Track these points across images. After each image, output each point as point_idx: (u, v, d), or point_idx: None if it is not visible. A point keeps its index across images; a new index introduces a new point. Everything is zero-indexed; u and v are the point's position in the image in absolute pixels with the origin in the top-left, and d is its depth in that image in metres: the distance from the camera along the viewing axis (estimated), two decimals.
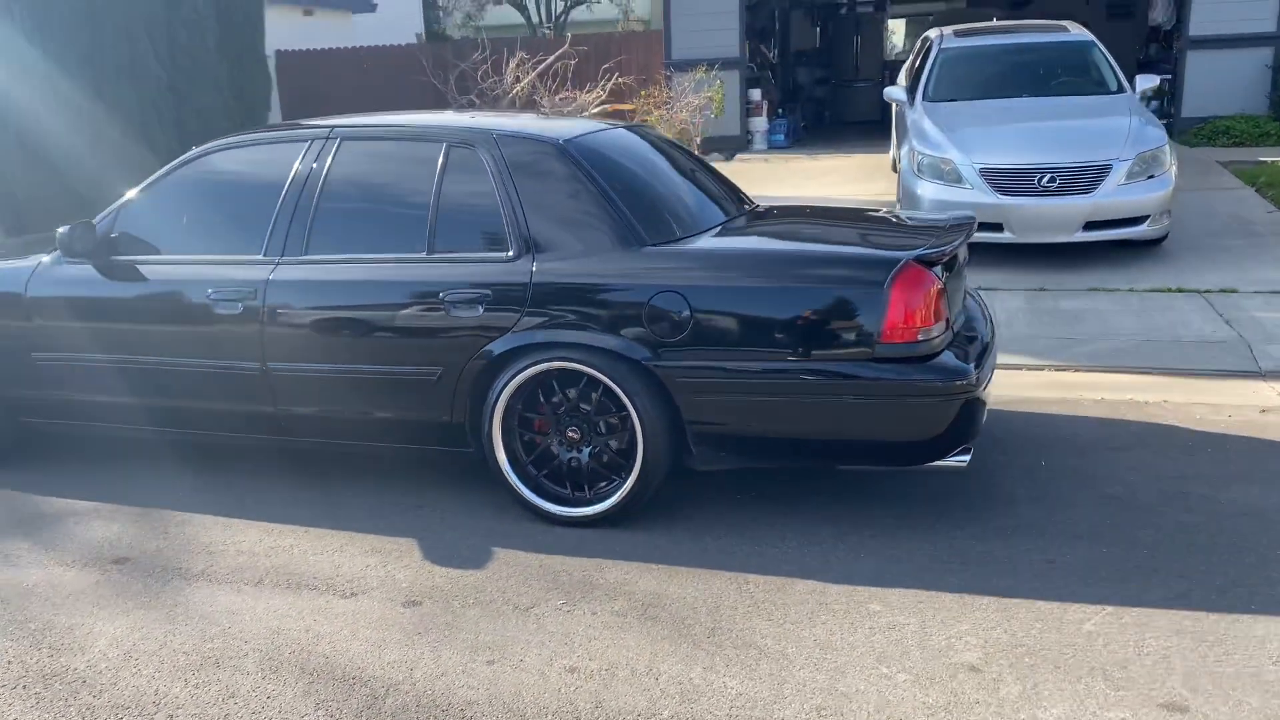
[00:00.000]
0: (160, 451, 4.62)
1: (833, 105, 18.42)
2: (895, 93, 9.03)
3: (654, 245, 3.74)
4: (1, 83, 8.96)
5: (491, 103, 14.73)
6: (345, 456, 4.37)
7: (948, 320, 3.66)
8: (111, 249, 4.28)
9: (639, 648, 3.04)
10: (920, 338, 3.51)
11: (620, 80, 13.73)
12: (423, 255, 3.88)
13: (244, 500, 4.17)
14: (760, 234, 4.18)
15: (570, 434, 3.80)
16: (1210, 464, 4.20)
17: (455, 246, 3.87)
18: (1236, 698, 2.68)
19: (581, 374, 3.69)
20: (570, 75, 14.70)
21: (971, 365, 3.60)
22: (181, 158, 4.37)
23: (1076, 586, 3.27)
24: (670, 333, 3.60)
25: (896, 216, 4.68)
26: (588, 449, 3.79)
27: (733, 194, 4.73)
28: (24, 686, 2.95)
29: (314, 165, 4.10)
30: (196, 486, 4.33)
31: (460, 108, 14.93)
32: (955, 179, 7.43)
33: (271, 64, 17.72)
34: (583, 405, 3.76)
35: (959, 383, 3.51)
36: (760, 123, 13.36)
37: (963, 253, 4.12)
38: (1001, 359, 5.67)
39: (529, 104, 14.48)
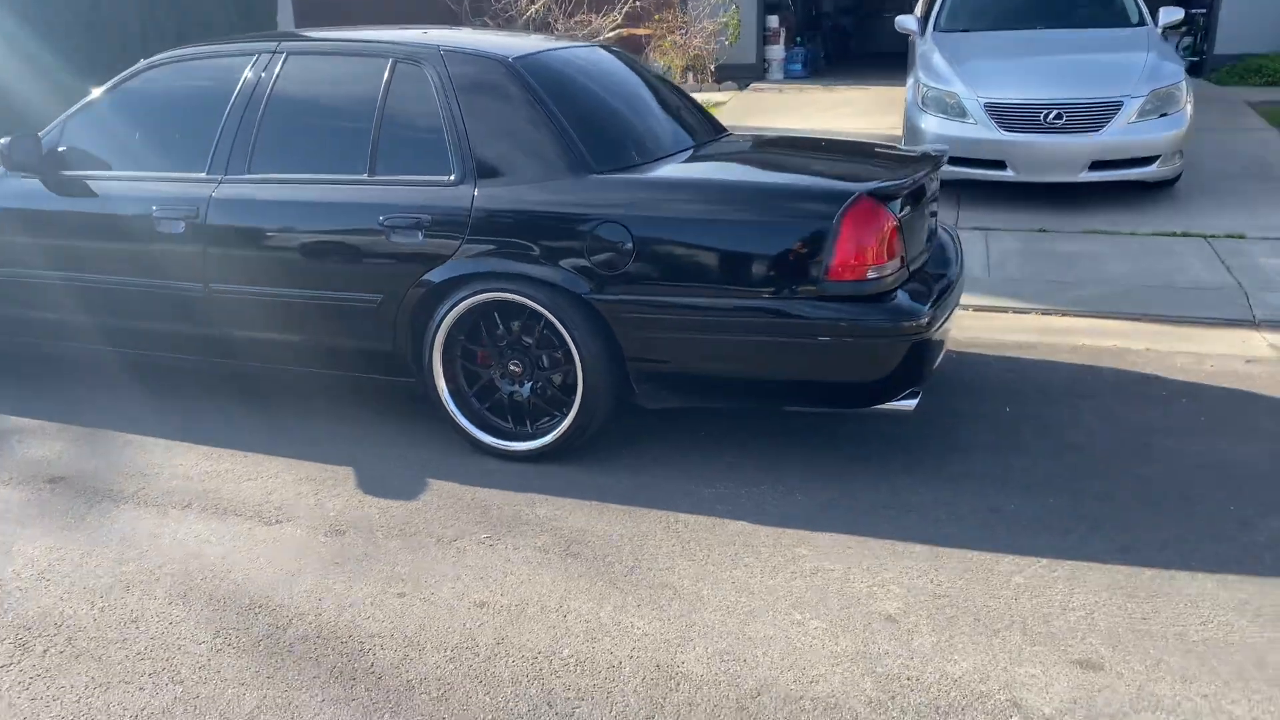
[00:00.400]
0: (112, 371, 4.59)
1: (859, 35, 17.88)
2: (907, 22, 8.70)
3: (601, 172, 3.60)
4: None
5: (504, 24, 14.44)
6: (293, 382, 4.29)
7: (903, 258, 3.51)
8: (60, 163, 4.19)
9: (554, 584, 2.97)
10: (870, 275, 3.36)
11: (637, 4, 13.41)
12: (364, 176, 3.76)
13: (189, 423, 4.13)
14: (718, 163, 4.01)
15: (512, 367, 3.71)
16: (1182, 415, 4.05)
17: (397, 168, 3.74)
18: (1156, 657, 2.58)
19: (523, 306, 3.58)
20: None
21: (925, 306, 3.45)
22: (131, 69, 4.25)
23: (1015, 537, 3.16)
24: (612, 265, 3.47)
25: (870, 148, 4.49)
26: (529, 384, 3.70)
27: (707, 122, 4.56)
28: None
29: (260, 79, 3.97)
30: (146, 408, 4.29)
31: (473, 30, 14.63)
32: (959, 113, 7.17)
33: None
34: (525, 338, 3.66)
35: (908, 324, 3.37)
36: (777, 51, 12.98)
37: (931, 186, 3.95)
38: (986, 302, 5.52)
39: (543, 27, 14.18)
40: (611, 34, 13.57)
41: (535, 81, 3.73)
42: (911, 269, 3.62)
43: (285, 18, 17.28)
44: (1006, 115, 7.02)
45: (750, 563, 3.06)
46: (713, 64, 12.30)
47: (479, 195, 3.60)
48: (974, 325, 5.18)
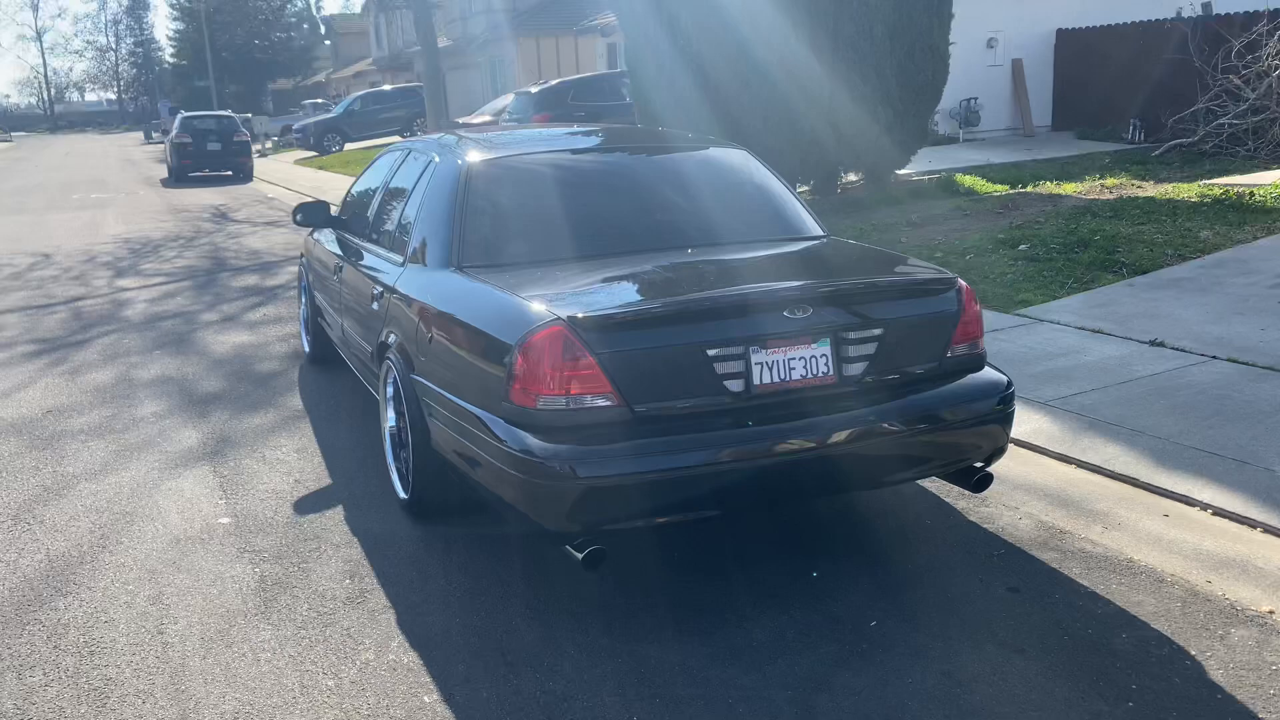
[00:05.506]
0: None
1: None
2: None
3: (462, 269, 3.78)
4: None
5: (1251, 81, 12.61)
6: None
7: (620, 394, 3.03)
8: (338, 222, 5.62)
9: (200, 618, 3.34)
10: (541, 406, 3.05)
11: None
12: (386, 251, 4.48)
13: (338, 427, 5.28)
14: (565, 268, 3.73)
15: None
16: None
17: (400, 248, 4.34)
18: None
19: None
20: None
21: (613, 457, 3.00)
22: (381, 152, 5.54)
23: None
24: (421, 351, 3.70)
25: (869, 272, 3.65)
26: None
27: (781, 225, 4.24)
28: None
29: (396, 169, 4.92)
30: (346, 412, 5.54)
31: (1208, 90, 12.86)
32: None
33: (1050, 43, 17.20)
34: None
35: (559, 467, 2.96)
36: None
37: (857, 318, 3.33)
38: (1267, 517, 3.69)
39: None
40: None
41: (475, 181, 4.04)
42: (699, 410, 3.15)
43: (1040, 90, 17.06)
44: None
45: None
46: None
47: (402, 275, 4.08)
48: (1208, 544, 3.65)
